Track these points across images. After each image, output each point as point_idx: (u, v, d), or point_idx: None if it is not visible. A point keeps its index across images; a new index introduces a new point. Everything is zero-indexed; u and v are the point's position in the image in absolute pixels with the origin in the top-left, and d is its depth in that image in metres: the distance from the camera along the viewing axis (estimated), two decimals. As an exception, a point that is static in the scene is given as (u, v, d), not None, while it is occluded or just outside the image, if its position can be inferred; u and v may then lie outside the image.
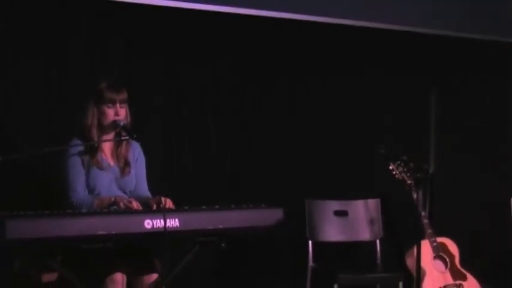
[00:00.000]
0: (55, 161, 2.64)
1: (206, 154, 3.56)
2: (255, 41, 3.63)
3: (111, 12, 3.27)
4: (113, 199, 2.54)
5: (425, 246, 3.29)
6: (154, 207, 2.49)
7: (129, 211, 2.43)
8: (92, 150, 2.63)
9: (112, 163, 2.69)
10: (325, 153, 3.79)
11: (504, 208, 3.72)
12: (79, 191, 2.57)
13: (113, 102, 2.60)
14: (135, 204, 2.47)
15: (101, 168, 2.63)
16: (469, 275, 3.37)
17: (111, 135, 2.66)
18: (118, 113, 2.61)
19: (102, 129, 2.63)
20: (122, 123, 2.60)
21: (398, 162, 3.36)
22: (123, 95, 2.64)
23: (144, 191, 2.73)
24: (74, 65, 3.21)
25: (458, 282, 3.33)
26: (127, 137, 2.62)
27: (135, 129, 2.62)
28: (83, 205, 2.54)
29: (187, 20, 3.45)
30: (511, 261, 3.72)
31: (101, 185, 2.61)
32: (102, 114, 2.61)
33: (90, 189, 2.60)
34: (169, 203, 2.50)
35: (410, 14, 3.90)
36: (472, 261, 3.47)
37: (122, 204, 2.47)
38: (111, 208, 2.49)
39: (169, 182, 3.15)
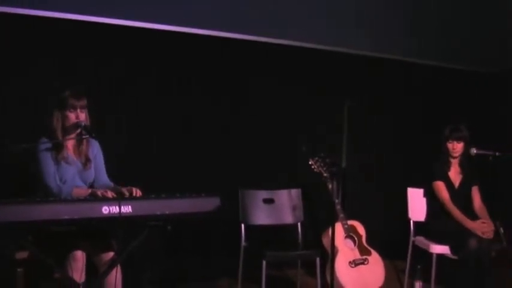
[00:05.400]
0: (28, 156, 2.79)
1: (157, 151, 3.80)
2: (202, 56, 3.93)
3: (76, 29, 3.51)
4: (89, 191, 2.74)
5: (338, 227, 3.58)
6: (127, 195, 2.66)
7: (90, 199, 2.58)
8: (58, 147, 2.82)
9: (75, 158, 2.89)
10: (256, 150, 4.12)
11: (402, 196, 3.92)
12: (55, 180, 2.75)
13: (74, 108, 2.81)
14: (110, 194, 2.65)
15: (67, 162, 2.82)
16: (373, 251, 3.69)
17: (73, 135, 2.86)
18: (79, 117, 2.81)
19: (66, 130, 2.83)
20: (83, 124, 2.81)
21: (317, 158, 3.63)
22: (83, 102, 2.84)
23: (106, 180, 2.92)
24: (42, 76, 3.41)
25: (364, 257, 3.63)
26: (87, 136, 2.83)
27: (93, 130, 2.84)
28: (61, 192, 2.74)
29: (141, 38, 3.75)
30: (406, 240, 3.87)
31: (67, 176, 2.80)
32: (65, 117, 2.81)
33: (58, 180, 2.78)
34: (138, 193, 2.69)
35: (332, 36, 4.29)
36: (375, 239, 3.76)
37: (99, 193, 2.66)
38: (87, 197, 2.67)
39: (126, 172, 3.27)
